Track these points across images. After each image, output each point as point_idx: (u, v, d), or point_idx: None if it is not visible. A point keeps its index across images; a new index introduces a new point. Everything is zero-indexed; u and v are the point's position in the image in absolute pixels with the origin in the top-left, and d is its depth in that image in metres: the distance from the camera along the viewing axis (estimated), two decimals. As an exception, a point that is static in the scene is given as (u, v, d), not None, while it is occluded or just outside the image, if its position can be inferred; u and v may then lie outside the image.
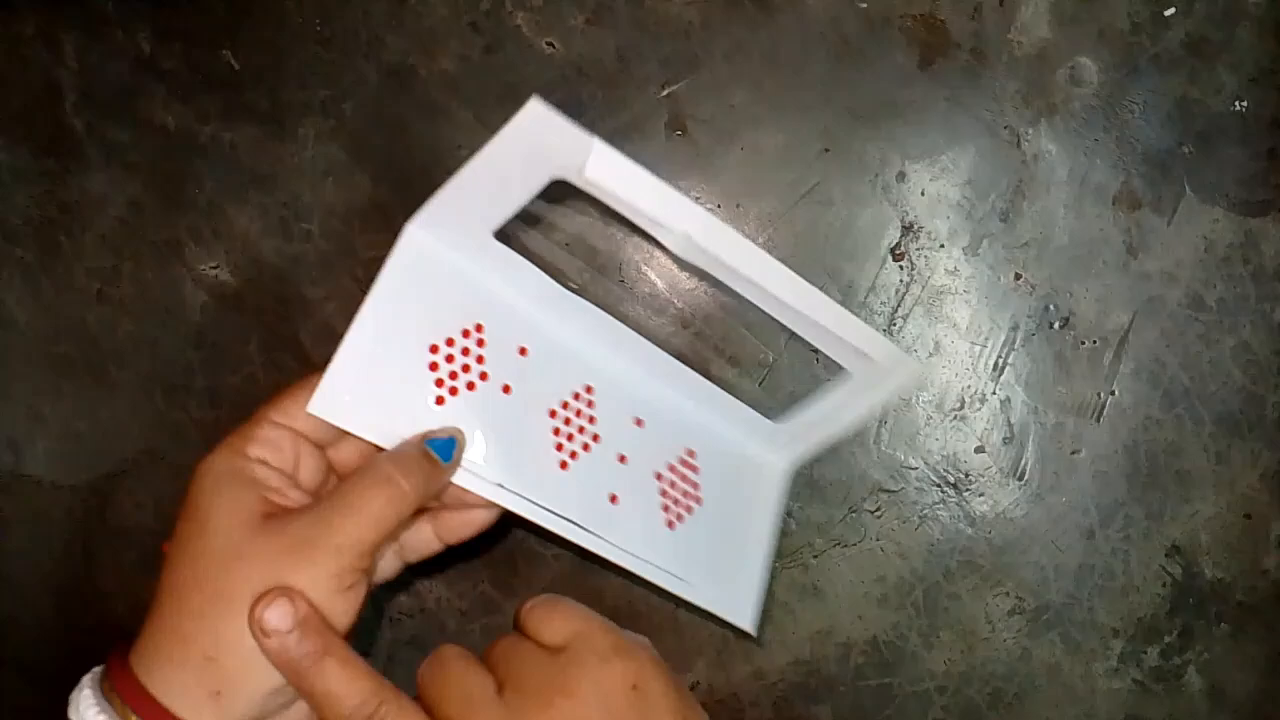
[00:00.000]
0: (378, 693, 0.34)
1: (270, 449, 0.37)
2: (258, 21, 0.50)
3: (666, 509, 0.44)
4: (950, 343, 0.50)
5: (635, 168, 0.35)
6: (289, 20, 0.50)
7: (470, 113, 0.50)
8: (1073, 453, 0.50)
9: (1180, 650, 0.50)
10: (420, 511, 0.38)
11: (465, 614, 0.51)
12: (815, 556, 0.51)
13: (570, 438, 0.42)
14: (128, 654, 0.35)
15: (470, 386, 0.39)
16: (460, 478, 0.38)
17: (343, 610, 0.35)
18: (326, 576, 0.34)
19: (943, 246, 0.50)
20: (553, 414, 0.41)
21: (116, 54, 0.51)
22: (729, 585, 0.46)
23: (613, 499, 0.42)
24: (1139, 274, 0.49)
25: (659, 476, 0.44)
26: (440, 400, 0.39)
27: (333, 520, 0.34)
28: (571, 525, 0.41)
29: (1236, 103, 0.49)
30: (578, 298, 0.42)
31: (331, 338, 0.51)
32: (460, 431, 0.38)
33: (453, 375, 0.39)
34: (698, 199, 0.50)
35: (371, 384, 0.37)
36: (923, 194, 0.49)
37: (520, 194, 0.37)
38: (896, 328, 0.50)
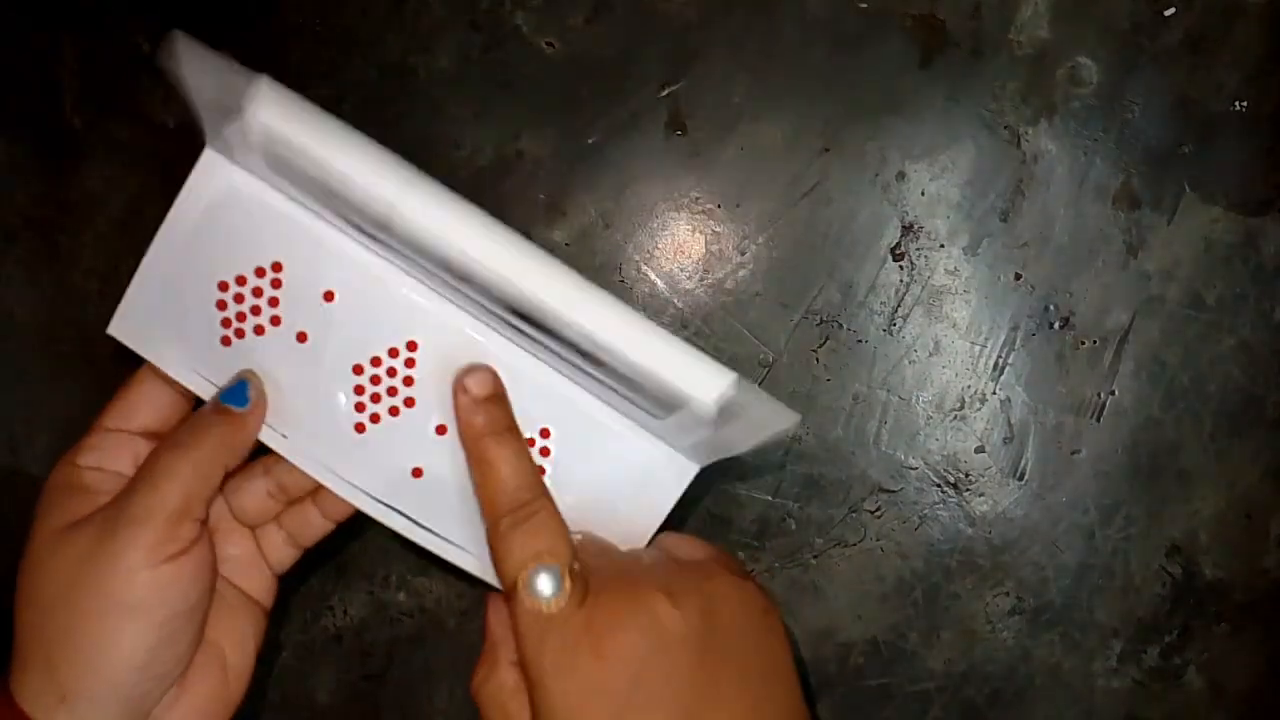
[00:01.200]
0: (537, 487, 0.34)
1: (102, 455, 0.37)
2: (256, 20, 0.50)
3: None
4: (950, 342, 0.50)
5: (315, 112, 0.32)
6: (287, 19, 0.50)
7: (469, 111, 0.50)
8: (1073, 452, 0.50)
9: (1180, 650, 0.50)
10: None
11: (465, 614, 0.51)
12: (815, 556, 0.51)
13: (376, 399, 0.37)
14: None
15: (259, 330, 0.37)
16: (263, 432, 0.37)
17: (185, 579, 0.34)
18: (141, 548, 0.33)
19: (942, 246, 0.50)
20: (358, 369, 0.37)
21: (116, 52, 0.51)
22: None
23: (416, 472, 0.38)
24: (1139, 273, 0.49)
25: None
26: (226, 340, 0.37)
27: (132, 495, 0.34)
28: (361, 494, 0.37)
29: (1236, 102, 0.49)
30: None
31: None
32: (251, 373, 0.36)
33: (240, 316, 0.37)
34: (697, 198, 0.50)
35: (164, 315, 0.36)
36: (922, 193, 0.49)
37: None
38: (896, 327, 0.50)
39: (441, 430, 0.37)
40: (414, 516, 0.38)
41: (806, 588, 0.51)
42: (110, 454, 0.37)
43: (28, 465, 0.52)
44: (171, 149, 0.51)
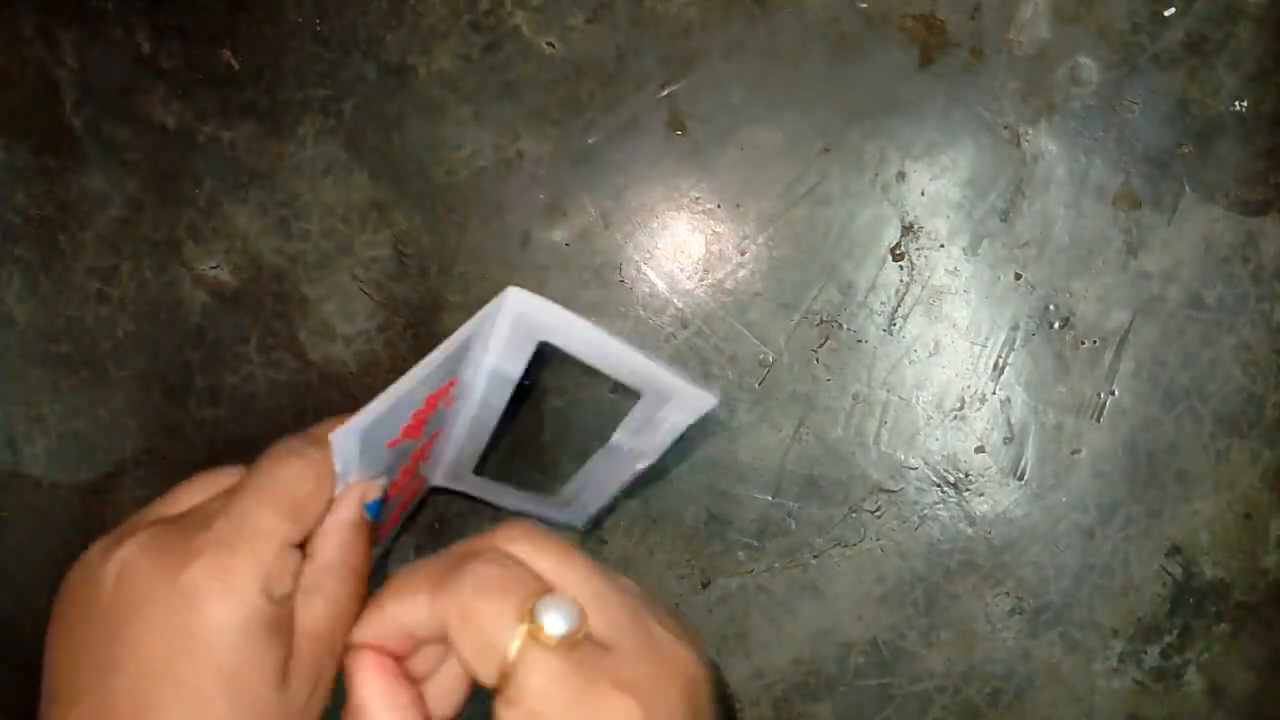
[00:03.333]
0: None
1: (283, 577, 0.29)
2: (257, 20, 0.50)
3: None
4: (950, 342, 0.50)
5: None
6: (288, 19, 0.50)
7: (469, 111, 0.50)
8: (1073, 452, 0.50)
9: (1180, 650, 0.50)
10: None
11: (464, 613, 0.51)
12: (815, 556, 0.51)
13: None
14: None
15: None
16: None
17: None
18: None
19: (942, 246, 0.50)
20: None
21: (115, 52, 0.51)
22: None
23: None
24: (1139, 273, 0.49)
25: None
26: (392, 443, 0.34)
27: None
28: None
29: (1236, 102, 0.49)
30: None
31: (330, 337, 0.51)
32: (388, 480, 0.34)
33: (420, 423, 0.36)
34: (697, 199, 0.50)
35: (371, 435, 0.32)
36: (922, 193, 0.49)
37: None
38: (896, 327, 0.50)
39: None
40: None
41: (806, 588, 0.51)
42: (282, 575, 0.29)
43: (28, 466, 0.52)
44: (171, 149, 0.51)
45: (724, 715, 0.30)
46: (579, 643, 0.25)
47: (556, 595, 0.26)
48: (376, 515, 0.32)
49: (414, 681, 0.29)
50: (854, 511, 0.50)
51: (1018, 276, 0.50)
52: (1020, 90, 0.49)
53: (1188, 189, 0.49)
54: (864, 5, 0.49)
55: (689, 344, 0.50)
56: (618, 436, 0.40)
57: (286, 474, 0.29)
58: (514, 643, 0.25)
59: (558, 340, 0.35)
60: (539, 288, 0.45)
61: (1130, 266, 0.49)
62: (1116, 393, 0.50)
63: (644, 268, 0.50)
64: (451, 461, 0.44)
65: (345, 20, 0.50)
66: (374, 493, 0.31)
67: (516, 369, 0.37)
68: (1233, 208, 0.49)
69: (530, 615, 0.25)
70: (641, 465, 0.42)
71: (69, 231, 0.51)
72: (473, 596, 0.26)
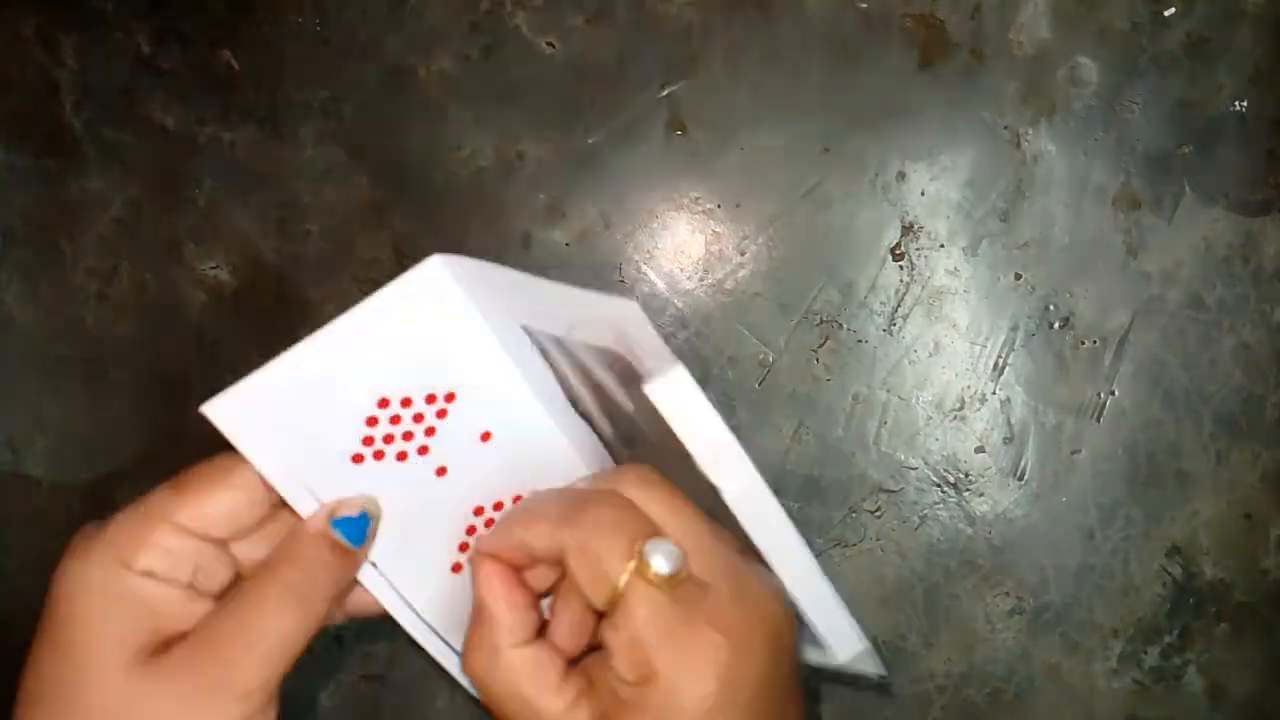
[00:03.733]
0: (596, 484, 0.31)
1: (165, 557, 0.29)
2: (257, 22, 0.50)
3: None
4: (950, 343, 0.50)
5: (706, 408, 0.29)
6: (288, 21, 0.50)
7: (470, 113, 0.50)
8: (1073, 453, 0.50)
9: (1180, 650, 0.50)
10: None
11: (465, 614, 0.51)
12: (815, 556, 0.51)
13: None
14: None
15: (401, 456, 0.33)
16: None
17: None
18: None
19: (942, 246, 0.50)
20: (478, 511, 0.35)
21: (116, 54, 0.51)
22: None
23: None
24: (1139, 274, 0.49)
25: None
26: (358, 458, 0.32)
27: (236, 657, 0.28)
28: (433, 636, 0.35)
29: (1236, 103, 0.49)
30: (576, 416, 0.35)
31: (331, 338, 0.51)
32: (375, 504, 0.32)
33: (388, 438, 0.32)
34: (697, 199, 0.50)
35: (293, 410, 0.30)
36: (922, 194, 0.49)
37: (565, 328, 0.31)
38: (896, 328, 0.50)
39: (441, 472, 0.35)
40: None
41: (807, 588, 0.51)
42: (173, 558, 0.29)
43: (28, 467, 0.52)
44: (171, 151, 0.51)
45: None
46: (681, 582, 0.28)
47: (663, 539, 0.28)
48: (360, 540, 0.31)
49: (530, 590, 0.31)
50: (854, 512, 0.50)
51: (1018, 277, 0.50)
52: (1020, 91, 0.49)
53: (1188, 190, 0.49)
54: (864, 6, 0.49)
55: (689, 344, 0.50)
56: None
57: (198, 466, 0.31)
58: (623, 576, 0.27)
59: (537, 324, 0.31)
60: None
61: (1130, 267, 0.49)
62: (1116, 393, 0.50)
63: (644, 268, 0.50)
64: None
65: (345, 22, 0.50)
66: (346, 510, 0.31)
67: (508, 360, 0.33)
68: (1233, 208, 0.49)
69: (640, 554, 0.28)
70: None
71: (69, 233, 0.51)
72: (591, 533, 0.28)
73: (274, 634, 0.29)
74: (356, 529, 0.31)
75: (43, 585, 0.55)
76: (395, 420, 0.32)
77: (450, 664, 0.35)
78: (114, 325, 0.51)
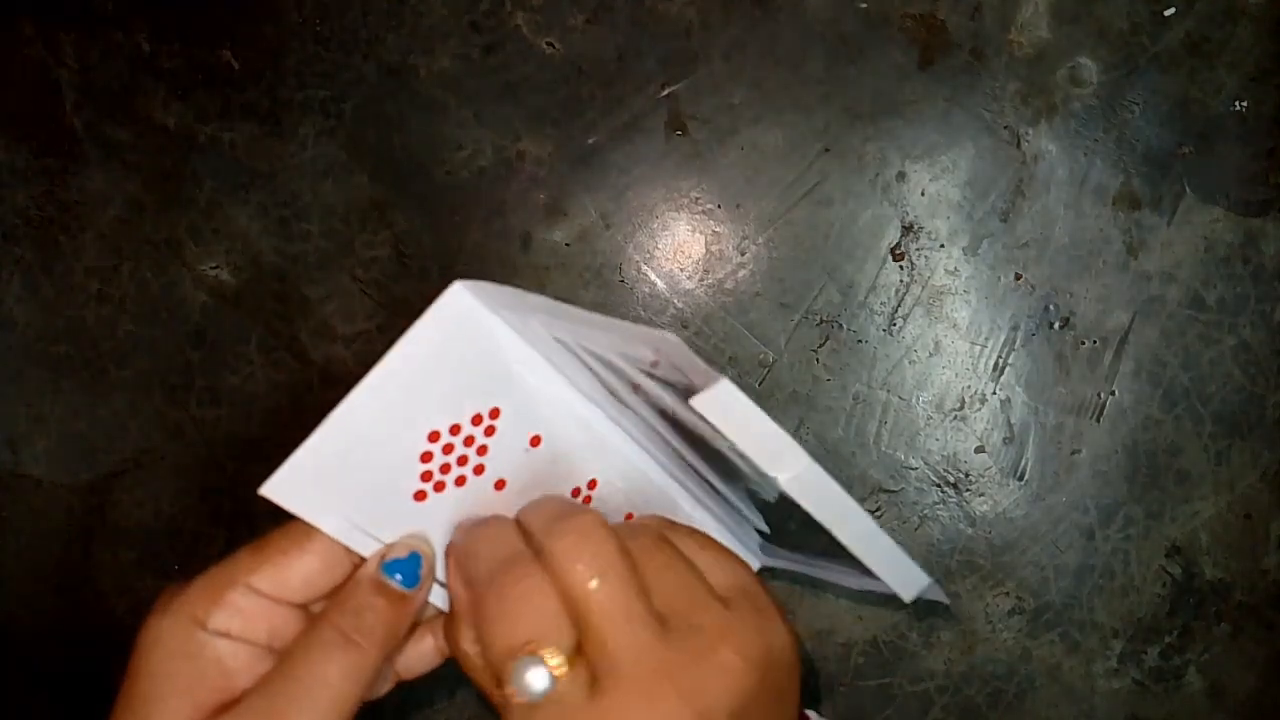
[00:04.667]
0: (524, 553, 0.29)
1: (239, 618, 0.29)
2: (257, 21, 0.50)
3: None
4: (950, 343, 0.50)
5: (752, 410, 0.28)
6: (288, 19, 0.50)
7: (470, 112, 0.50)
8: (1073, 453, 0.50)
9: (1180, 650, 0.50)
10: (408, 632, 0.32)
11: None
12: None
13: None
14: None
15: (459, 481, 0.33)
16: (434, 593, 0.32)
17: None
18: None
19: (943, 246, 0.50)
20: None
21: (116, 53, 0.51)
22: None
23: None
24: (1139, 274, 0.49)
25: None
26: (421, 496, 0.32)
27: (285, 708, 0.28)
28: None
29: (1236, 102, 0.49)
30: (616, 401, 0.34)
31: (331, 337, 0.51)
32: (425, 542, 0.31)
33: (445, 469, 0.32)
34: (697, 199, 0.50)
35: (347, 469, 0.30)
36: (923, 194, 0.49)
37: (594, 342, 0.31)
38: (896, 327, 0.50)
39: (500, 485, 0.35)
40: None
41: (807, 588, 0.51)
42: (247, 620, 0.29)
43: (28, 467, 0.52)
44: (171, 150, 0.51)
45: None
46: (557, 699, 0.27)
47: (538, 653, 0.27)
48: (413, 581, 0.31)
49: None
50: (854, 512, 0.50)
51: (1018, 277, 0.50)
52: (1020, 91, 0.49)
53: (1188, 189, 0.49)
54: (864, 6, 0.49)
55: (689, 344, 0.50)
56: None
57: (280, 529, 0.31)
58: (503, 688, 0.27)
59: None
60: (540, 287, 0.44)
61: (1130, 267, 0.49)
62: (1116, 393, 0.50)
63: (644, 268, 0.50)
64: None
65: (346, 21, 0.50)
66: (396, 552, 0.31)
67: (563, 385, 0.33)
68: (1233, 208, 0.49)
69: (510, 672, 0.27)
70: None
71: (69, 232, 0.51)
72: (494, 615, 0.28)
73: (322, 682, 0.28)
74: (408, 570, 0.30)
75: (43, 583, 0.55)
76: (448, 449, 0.32)
77: None
78: (114, 324, 0.51)
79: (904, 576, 0.34)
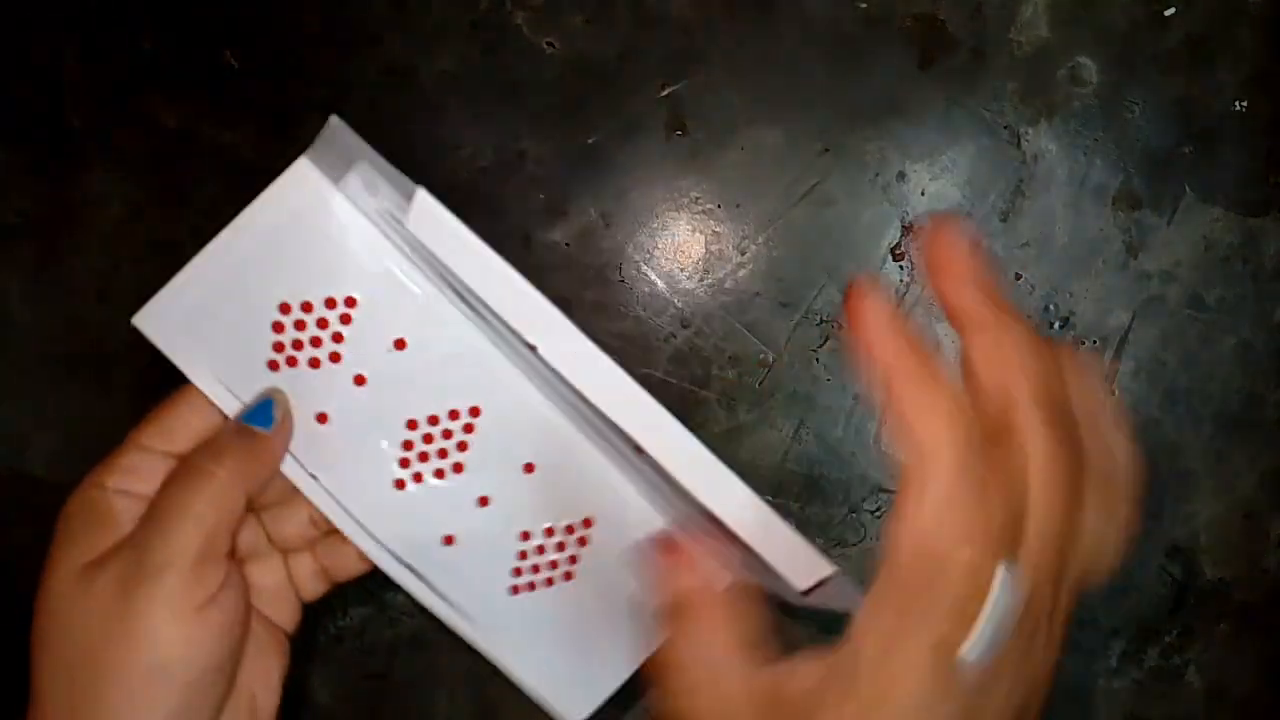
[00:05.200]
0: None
1: (133, 477, 0.32)
2: (257, 20, 0.50)
3: (517, 572, 0.37)
4: (951, 342, 0.50)
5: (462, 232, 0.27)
6: (289, 19, 0.50)
7: (470, 112, 0.50)
8: (1073, 452, 0.50)
9: (1181, 650, 0.50)
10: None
11: (465, 614, 0.51)
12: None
13: (424, 458, 0.35)
14: None
15: (314, 363, 0.33)
16: (286, 465, 0.34)
17: (214, 634, 0.30)
18: (165, 602, 0.29)
19: (943, 246, 0.50)
20: (412, 425, 0.34)
21: (116, 53, 0.51)
22: (565, 674, 0.37)
23: (447, 540, 0.36)
24: (1139, 274, 0.49)
25: (525, 535, 0.36)
26: (274, 365, 0.33)
27: (150, 540, 0.30)
28: (382, 550, 0.35)
29: (1236, 102, 0.49)
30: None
31: (331, 337, 0.51)
32: (279, 392, 0.33)
33: (297, 345, 0.33)
34: (697, 199, 0.50)
35: (207, 320, 0.33)
36: (923, 193, 0.49)
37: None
38: (896, 327, 0.50)
39: (484, 502, 0.35)
40: (433, 583, 0.35)
41: (807, 588, 0.51)
42: (142, 476, 0.33)
43: (29, 466, 0.52)
44: (172, 150, 0.51)
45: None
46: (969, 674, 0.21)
47: (993, 615, 0.21)
48: (268, 421, 0.33)
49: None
50: (854, 512, 0.50)
51: (1018, 276, 0.50)
52: (1020, 91, 0.49)
53: (1188, 189, 0.49)
54: (864, 6, 0.49)
55: (689, 344, 0.50)
56: None
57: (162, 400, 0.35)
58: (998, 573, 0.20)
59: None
60: (539, 287, 0.44)
61: (1130, 267, 0.49)
62: (1116, 393, 0.50)
63: (644, 268, 0.50)
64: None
65: (345, 20, 0.50)
66: (249, 403, 0.33)
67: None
68: (1233, 208, 0.49)
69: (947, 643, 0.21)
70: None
71: (69, 232, 0.51)
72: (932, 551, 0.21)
73: (183, 511, 0.30)
74: (260, 414, 0.33)
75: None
76: (300, 326, 0.33)
77: (408, 581, 0.35)
78: (114, 324, 0.51)
79: (793, 558, 0.28)
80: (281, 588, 0.36)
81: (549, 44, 0.50)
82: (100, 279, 0.51)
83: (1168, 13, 0.49)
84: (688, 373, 0.50)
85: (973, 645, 0.19)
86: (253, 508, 0.36)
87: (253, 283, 0.33)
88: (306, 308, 0.33)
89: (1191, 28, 0.49)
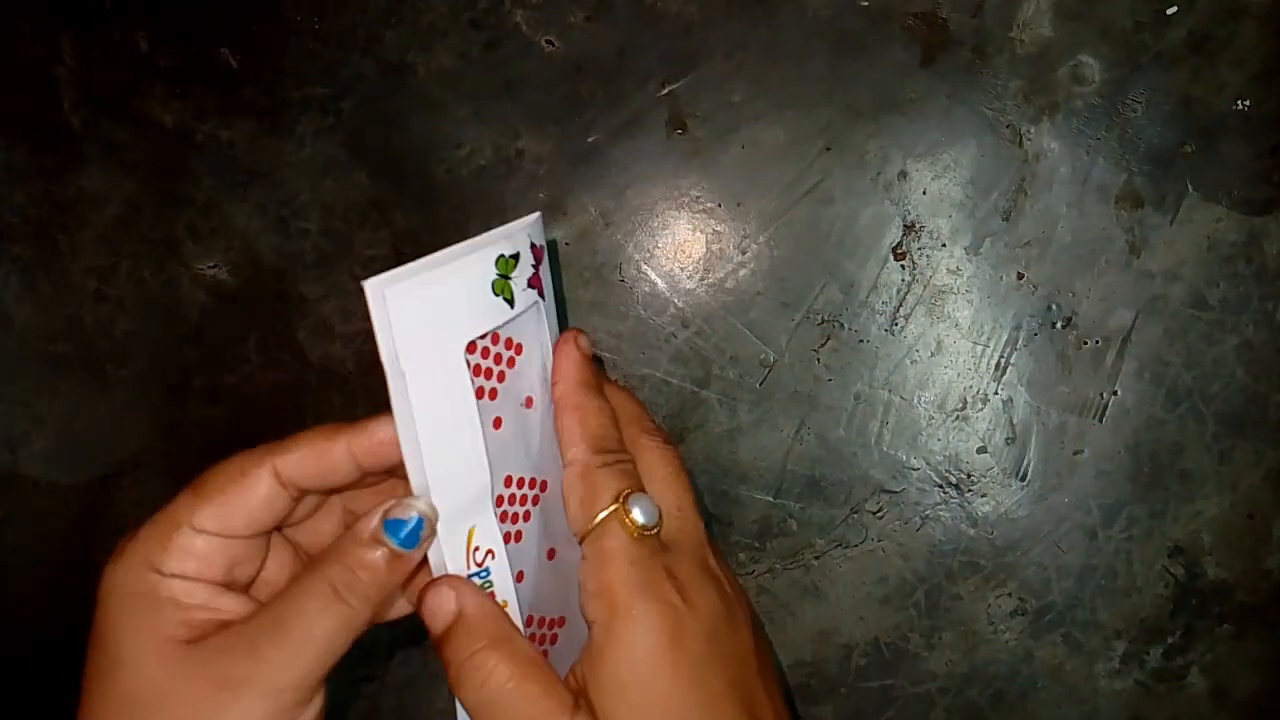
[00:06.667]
0: (622, 446, 0.34)
1: (192, 560, 0.30)
2: (255, 19, 0.50)
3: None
4: (952, 342, 0.50)
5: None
6: (287, 17, 0.50)
7: (469, 110, 0.49)
8: (1075, 453, 0.50)
9: (1183, 650, 0.50)
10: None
11: (464, 614, 0.51)
12: (816, 557, 0.50)
13: (502, 518, 0.34)
14: None
15: (492, 395, 0.32)
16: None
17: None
18: (271, 717, 0.28)
19: (944, 245, 0.49)
20: (508, 481, 0.34)
21: (114, 52, 0.50)
22: None
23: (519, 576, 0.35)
24: (1142, 273, 0.49)
25: (529, 620, 0.36)
26: (480, 393, 0.31)
27: (269, 653, 0.28)
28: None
29: (1239, 101, 0.49)
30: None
31: (329, 336, 0.51)
32: (434, 508, 0.30)
33: (487, 373, 0.32)
34: (698, 198, 0.50)
35: (439, 326, 0.29)
36: (924, 192, 0.49)
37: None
38: (898, 327, 0.50)
39: (520, 577, 0.34)
40: None
41: (808, 589, 0.50)
42: (200, 560, 0.30)
43: (26, 466, 0.52)
44: (169, 148, 0.50)
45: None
46: (649, 537, 0.32)
47: (647, 498, 0.32)
48: (412, 543, 0.30)
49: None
50: (855, 512, 0.50)
51: (1020, 276, 0.49)
52: (1023, 89, 0.49)
53: (1190, 188, 0.49)
54: (866, 4, 0.49)
55: (689, 344, 0.50)
56: None
57: (216, 468, 0.32)
58: (604, 512, 0.31)
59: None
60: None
61: (1133, 266, 0.49)
62: (1119, 393, 0.49)
63: (644, 267, 0.50)
64: None
65: (344, 19, 0.50)
66: (399, 512, 0.30)
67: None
68: (1236, 207, 0.49)
69: (624, 500, 0.31)
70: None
71: (67, 231, 0.51)
72: (600, 468, 0.32)
73: (309, 634, 0.29)
74: (409, 534, 0.29)
75: (43, 583, 0.55)
76: (485, 354, 0.31)
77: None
78: (113, 323, 0.51)
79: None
80: None
81: (548, 42, 0.49)
82: (98, 277, 0.51)
83: (1170, 11, 0.48)
84: (688, 373, 0.50)
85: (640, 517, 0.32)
86: (284, 525, 0.34)
87: (473, 293, 0.30)
88: (494, 339, 0.32)
89: (1194, 26, 0.48)
